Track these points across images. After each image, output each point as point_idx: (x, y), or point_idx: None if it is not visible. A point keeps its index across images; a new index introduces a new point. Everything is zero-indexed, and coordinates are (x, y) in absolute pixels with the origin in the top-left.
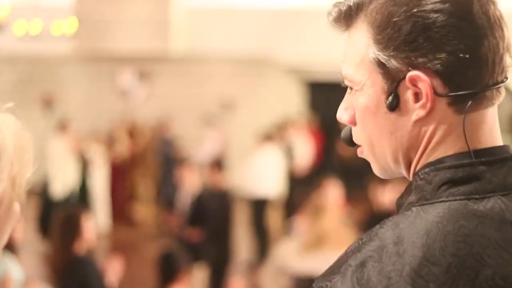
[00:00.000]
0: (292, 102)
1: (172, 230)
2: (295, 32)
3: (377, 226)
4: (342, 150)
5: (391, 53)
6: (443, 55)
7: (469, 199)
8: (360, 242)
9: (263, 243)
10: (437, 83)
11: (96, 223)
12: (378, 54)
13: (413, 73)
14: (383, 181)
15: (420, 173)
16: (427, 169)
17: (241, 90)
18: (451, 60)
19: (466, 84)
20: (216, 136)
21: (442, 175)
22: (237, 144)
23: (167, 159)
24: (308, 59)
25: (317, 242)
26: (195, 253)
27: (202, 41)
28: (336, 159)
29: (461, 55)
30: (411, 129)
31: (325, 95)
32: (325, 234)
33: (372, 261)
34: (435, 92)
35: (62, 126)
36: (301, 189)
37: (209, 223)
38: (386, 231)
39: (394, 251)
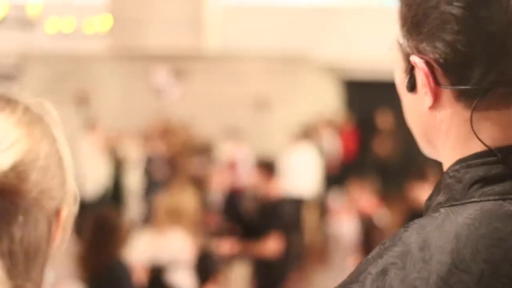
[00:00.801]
0: (328, 101)
1: (211, 229)
2: (331, 29)
3: (401, 229)
4: (379, 148)
5: (405, 33)
6: (441, 45)
7: (504, 200)
8: (382, 247)
9: (299, 240)
10: (439, 73)
11: (130, 223)
12: (397, 32)
13: (412, 58)
14: (421, 179)
15: (449, 171)
16: (457, 166)
17: (276, 88)
18: (449, 52)
19: (469, 79)
20: (237, 151)
21: (474, 172)
22: (271, 143)
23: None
24: (344, 57)
25: None
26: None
27: (237, 38)
28: (373, 158)
29: (460, 47)
30: (428, 117)
31: (361, 93)
32: None
33: (394, 268)
34: (437, 82)
35: (91, 125)
36: (335, 188)
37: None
38: (410, 235)
39: (419, 257)
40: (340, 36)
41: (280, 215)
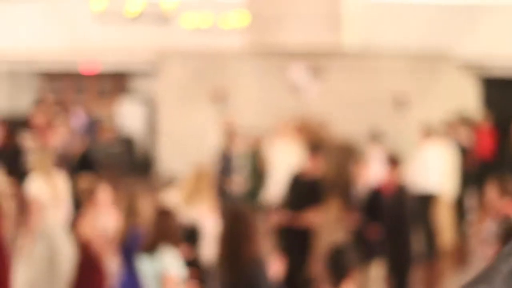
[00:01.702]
0: (467, 99)
1: (350, 226)
2: (470, 27)
3: None
4: None
5: None
6: None
7: None
8: None
9: (430, 238)
10: None
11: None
12: None
13: None
14: None
15: None
16: None
17: (415, 86)
18: None
19: None
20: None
21: None
22: (409, 141)
23: None
24: (484, 54)
25: None
26: (373, 250)
27: (376, 35)
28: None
29: None
30: None
31: (501, 92)
32: None
33: None
34: None
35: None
36: (473, 187)
37: (386, 219)
38: None
39: None
40: (480, 33)
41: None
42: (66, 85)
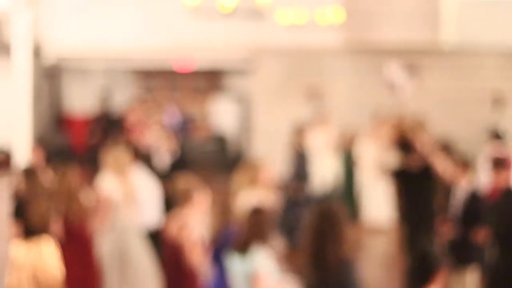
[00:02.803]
0: None
1: (447, 233)
2: None
3: None
4: None
5: None
6: None
7: None
8: None
9: None
10: None
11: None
12: None
13: None
14: None
15: None
16: None
17: None
18: None
19: None
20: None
21: None
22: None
23: None
24: None
25: None
26: (471, 255)
27: (474, 33)
28: None
29: None
30: None
31: None
32: None
33: None
34: None
35: (321, 120)
36: None
37: (492, 225)
38: None
39: None
40: None
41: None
42: (160, 83)
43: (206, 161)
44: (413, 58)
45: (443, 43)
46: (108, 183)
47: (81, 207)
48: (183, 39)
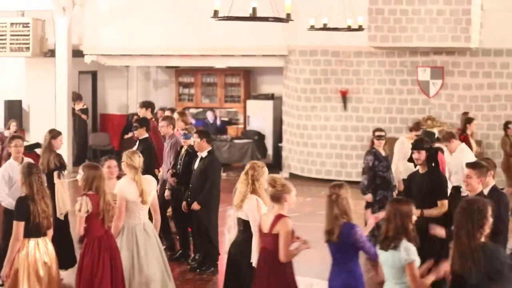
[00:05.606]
0: None
1: None
2: None
3: None
4: None
5: None
6: None
7: None
8: None
9: None
10: None
11: None
12: None
13: None
14: None
15: None
16: None
17: None
18: None
19: None
20: None
21: None
22: None
23: None
24: None
25: None
26: None
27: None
28: None
29: None
30: None
31: None
32: None
33: None
34: None
35: (416, 126)
36: None
37: None
38: None
39: None
40: None
41: None
42: (196, 81)
43: (242, 159)
44: (444, 59)
45: (474, 45)
46: (123, 185)
47: (111, 206)
48: (216, 39)
